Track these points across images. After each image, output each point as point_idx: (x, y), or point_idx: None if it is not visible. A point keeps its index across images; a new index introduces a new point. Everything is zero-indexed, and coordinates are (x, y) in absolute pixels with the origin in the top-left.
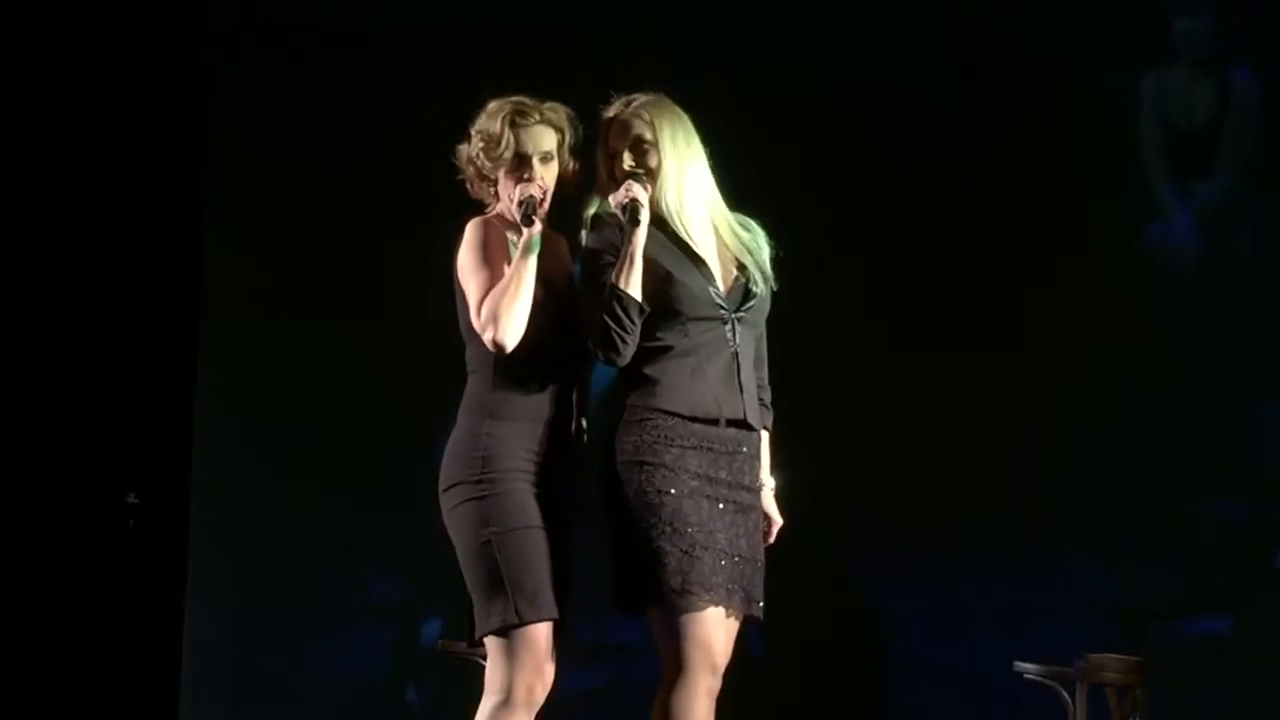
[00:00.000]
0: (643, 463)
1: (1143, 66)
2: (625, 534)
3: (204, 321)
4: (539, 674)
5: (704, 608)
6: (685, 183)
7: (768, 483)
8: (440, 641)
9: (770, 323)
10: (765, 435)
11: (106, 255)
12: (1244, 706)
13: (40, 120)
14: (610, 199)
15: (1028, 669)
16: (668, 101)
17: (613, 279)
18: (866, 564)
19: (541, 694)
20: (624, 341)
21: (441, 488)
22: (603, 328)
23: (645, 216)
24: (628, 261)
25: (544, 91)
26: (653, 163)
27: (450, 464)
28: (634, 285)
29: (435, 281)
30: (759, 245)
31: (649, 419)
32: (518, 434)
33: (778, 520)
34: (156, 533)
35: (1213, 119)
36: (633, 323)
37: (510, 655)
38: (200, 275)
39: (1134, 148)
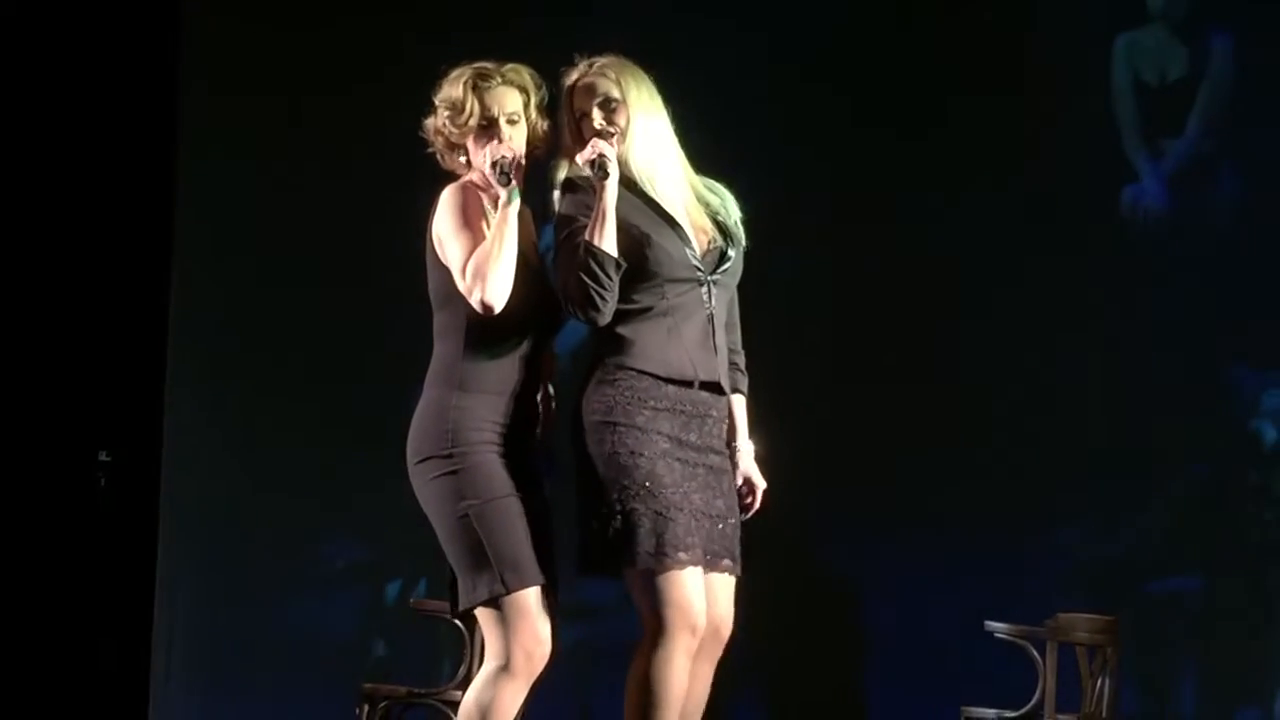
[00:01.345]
0: (615, 423)
1: (1120, 30)
2: (597, 495)
3: (175, 283)
4: (536, 639)
5: (680, 568)
6: (653, 142)
7: (747, 447)
8: (411, 600)
9: (741, 291)
10: (741, 399)
11: (80, 217)
12: (1212, 666)
13: (11, 93)
14: (578, 157)
15: (998, 628)
16: (630, 62)
17: (586, 236)
18: (837, 529)
19: (540, 659)
20: (603, 299)
21: (411, 461)
22: (580, 286)
23: (614, 170)
24: (600, 218)
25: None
26: (621, 121)
27: (419, 438)
28: (608, 241)
29: (404, 249)
30: (728, 209)
31: (621, 379)
32: (486, 405)
33: (761, 483)
34: (127, 490)
35: (1185, 78)
36: (610, 279)
37: (504, 624)
38: (172, 236)
39: (1107, 115)
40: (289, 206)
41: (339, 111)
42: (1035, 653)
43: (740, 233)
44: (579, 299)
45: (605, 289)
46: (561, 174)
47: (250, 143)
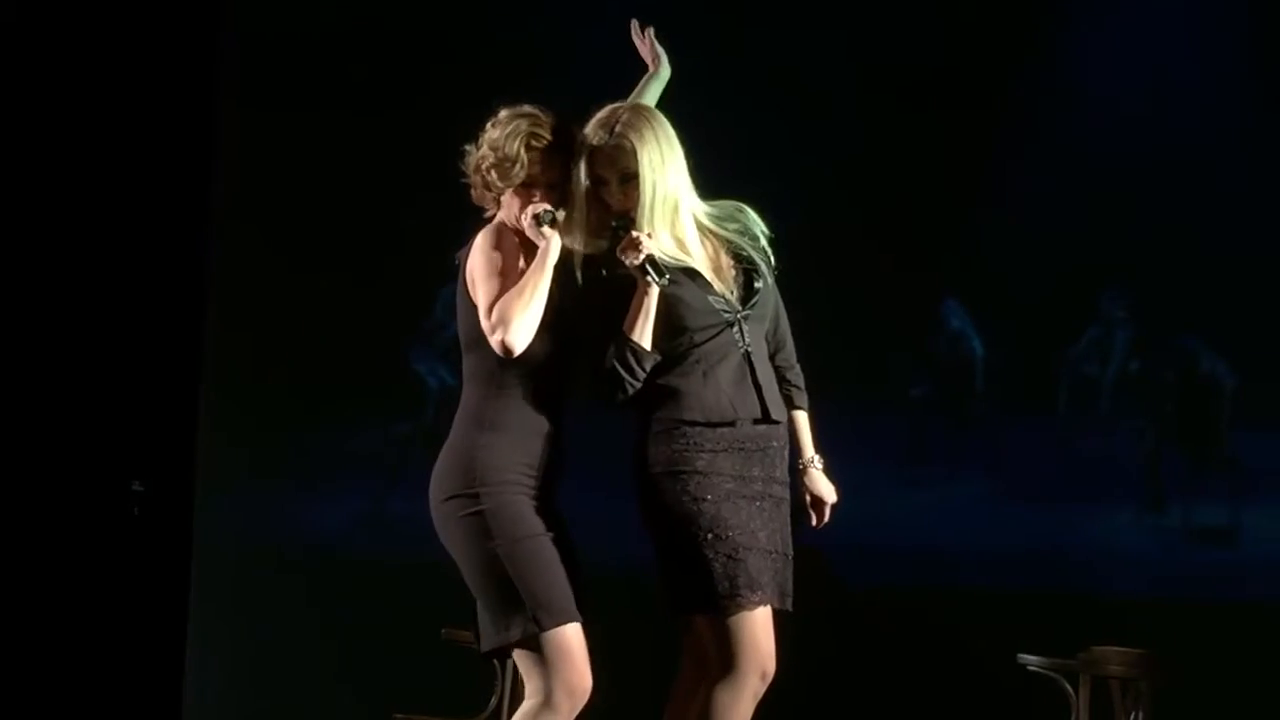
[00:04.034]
0: (677, 472)
1: None
2: (668, 544)
3: (209, 313)
4: (578, 676)
5: (753, 608)
6: (668, 203)
7: (815, 462)
8: (443, 631)
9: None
10: (803, 414)
11: (115, 248)
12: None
13: (52, 105)
14: (618, 253)
15: (1031, 661)
16: (644, 113)
17: (626, 329)
18: (866, 561)
19: (582, 696)
20: (632, 388)
21: (436, 500)
22: (614, 375)
23: (665, 275)
24: (643, 315)
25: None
26: (637, 197)
27: (444, 476)
28: (647, 337)
29: (437, 288)
30: (753, 233)
31: (676, 429)
32: (512, 446)
33: (831, 497)
34: (160, 520)
35: None
36: (644, 373)
37: (543, 663)
38: (208, 267)
39: None
40: (326, 236)
41: (378, 138)
42: (1068, 686)
43: (763, 258)
44: (609, 385)
45: (637, 380)
46: (581, 244)
47: (288, 172)
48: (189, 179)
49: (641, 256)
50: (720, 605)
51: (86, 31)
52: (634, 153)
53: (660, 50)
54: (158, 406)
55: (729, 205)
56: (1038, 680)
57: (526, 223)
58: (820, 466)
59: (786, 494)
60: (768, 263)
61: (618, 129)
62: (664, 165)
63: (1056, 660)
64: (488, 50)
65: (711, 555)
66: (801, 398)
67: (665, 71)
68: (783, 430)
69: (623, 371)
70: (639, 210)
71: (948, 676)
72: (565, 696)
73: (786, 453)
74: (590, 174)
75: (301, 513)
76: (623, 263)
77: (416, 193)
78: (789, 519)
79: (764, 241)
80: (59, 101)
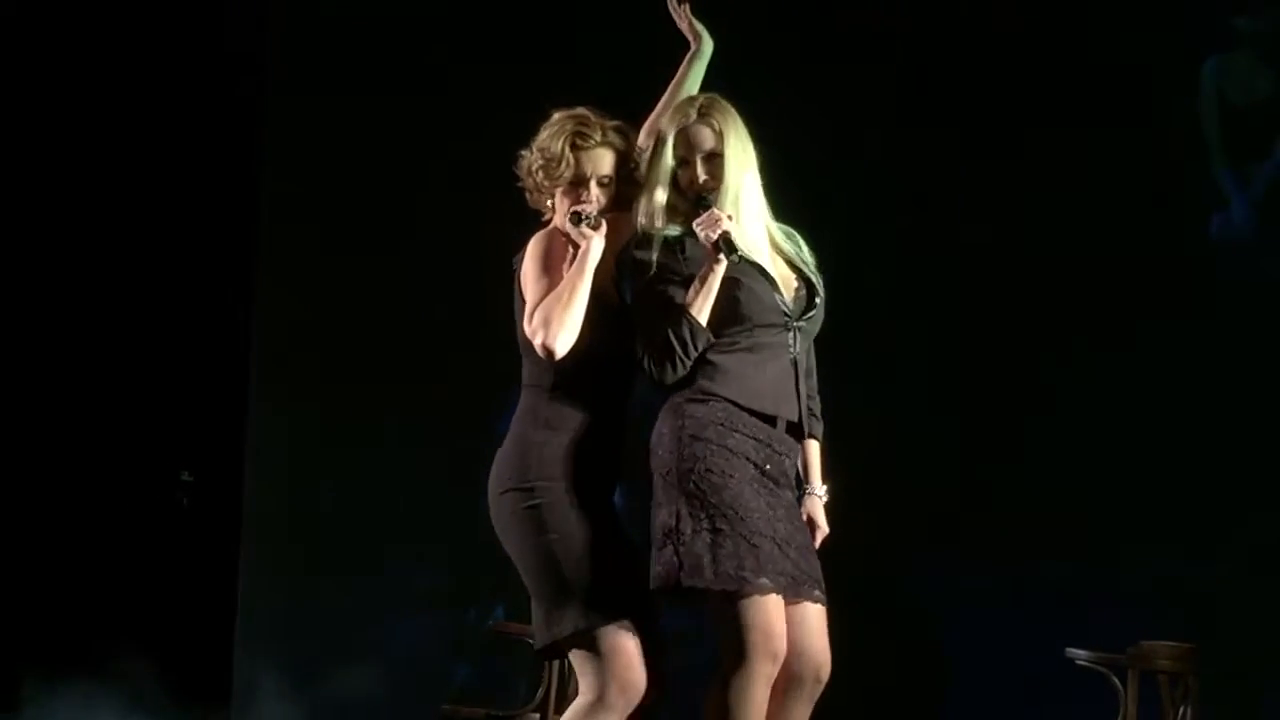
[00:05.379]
0: (707, 440)
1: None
2: (682, 509)
3: (259, 304)
4: (631, 673)
5: (764, 594)
6: (745, 194)
7: (820, 490)
8: (492, 623)
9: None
10: (816, 444)
11: (166, 239)
12: None
13: (98, 101)
14: (695, 226)
15: (1079, 655)
16: (727, 105)
17: (687, 303)
18: (915, 558)
19: (637, 693)
20: (684, 365)
21: (493, 493)
22: (666, 348)
23: (737, 251)
24: (705, 291)
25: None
26: (721, 176)
27: (502, 471)
28: (705, 315)
29: (494, 265)
30: (803, 257)
31: (717, 401)
32: (571, 444)
33: (824, 529)
34: (210, 511)
35: (1271, 99)
36: (696, 351)
37: (595, 659)
38: (256, 258)
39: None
40: (375, 227)
41: (425, 134)
42: (1116, 681)
43: (819, 279)
44: (660, 358)
45: (689, 358)
46: (659, 221)
47: (333, 161)
48: (240, 168)
49: (719, 231)
50: (725, 583)
51: (135, 12)
52: (721, 134)
53: (700, 26)
54: (207, 397)
55: (787, 227)
56: (1086, 674)
57: (568, 221)
58: (823, 497)
59: (796, 503)
60: (820, 287)
61: (703, 110)
62: (745, 156)
63: (1105, 654)
64: (541, 44)
65: (728, 530)
66: (818, 427)
67: (708, 47)
68: (798, 448)
69: (676, 345)
70: (721, 190)
71: (997, 668)
72: (619, 694)
73: (794, 472)
74: (674, 153)
75: (348, 506)
76: (698, 243)
77: (470, 188)
78: (804, 523)
79: (812, 264)
80: (93, 102)
